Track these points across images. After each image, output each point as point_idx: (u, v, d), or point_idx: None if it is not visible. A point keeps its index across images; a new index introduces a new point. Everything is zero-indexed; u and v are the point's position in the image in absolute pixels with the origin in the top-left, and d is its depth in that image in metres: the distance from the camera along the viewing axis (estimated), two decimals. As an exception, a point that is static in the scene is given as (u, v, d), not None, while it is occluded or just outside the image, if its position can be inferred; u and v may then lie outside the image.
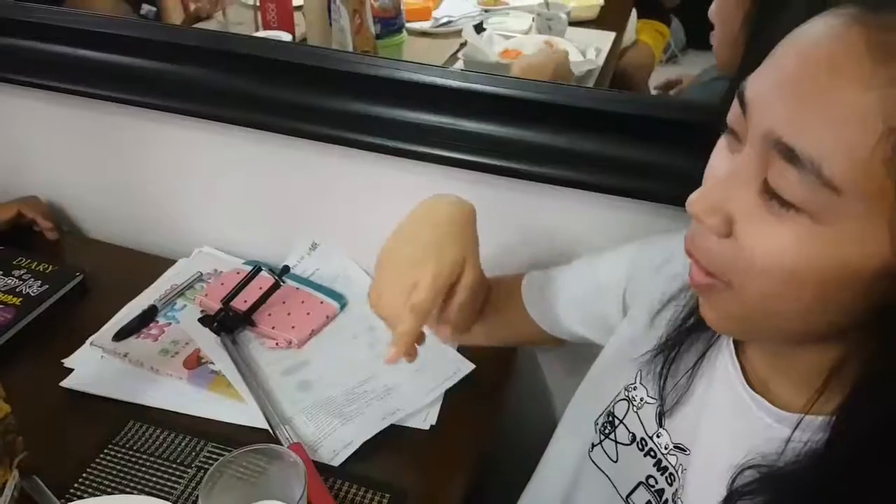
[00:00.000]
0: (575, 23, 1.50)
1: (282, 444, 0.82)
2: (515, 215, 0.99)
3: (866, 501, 0.48)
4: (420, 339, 0.74)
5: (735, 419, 0.57)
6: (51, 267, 1.09)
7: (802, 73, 0.43)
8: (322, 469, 0.82)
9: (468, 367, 0.95)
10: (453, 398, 0.93)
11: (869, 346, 0.46)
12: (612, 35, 1.48)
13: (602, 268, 0.81)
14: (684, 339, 0.64)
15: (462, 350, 0.98)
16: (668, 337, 0.65)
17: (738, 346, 0.60)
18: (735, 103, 0.47)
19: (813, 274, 0.44)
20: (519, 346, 1.00)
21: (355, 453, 0.84)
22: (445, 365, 0.96)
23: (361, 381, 0.94)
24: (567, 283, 0.84)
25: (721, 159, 0.49)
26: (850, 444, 0.48)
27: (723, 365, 0.61)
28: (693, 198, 0.48)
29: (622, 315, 0.76)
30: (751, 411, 0.57)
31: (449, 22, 1.55)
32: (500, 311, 0.88)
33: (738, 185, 0.46)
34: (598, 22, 1.57)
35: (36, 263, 1.10)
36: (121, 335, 0.98)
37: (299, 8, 1.45)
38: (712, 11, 0.87)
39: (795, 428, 0.52)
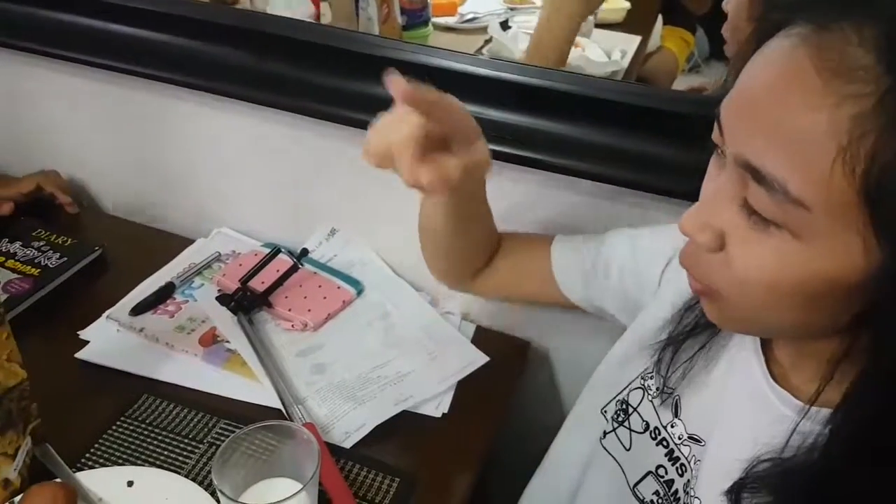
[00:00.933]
0: (601, 25, 1.50)
1: (294, 424, 0.82)
2: (536, 206, 0.98)
3: (867, 492, 0.48)
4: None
5: (756, 412, 0.57)
6: (70, 240, 1.09)
7: (758, 96, 0.44)
8: (333, 450, 0.82)
9: (482, 359, 0.95)
10: (466, 387, 0.92)
11: (867, 339, 0.47)
12: (637, 39, 1.47)
13: (638, 263, 0.80)
14: (694, 330, 0.65)
15: (476, 342, 0.98)
16: (680, 325, 0.66)
17: (763, 340, 0.60)
18: (715, 125, 0.49)
19: (796, 287, 0.45)
20: (527, 302, 0.99)
21: (367, 437, 0.84)
22: (459, 356, 0.96)
23: (375, 366, 0.94)
24: (603, 254, 0.83)
25: (710, 178, 0.51)
26: (850, 433, 0.49)
27: (745, 357, 0.61)
28: (685, 217, 0.50)
29: (653, 297, 0.76)
30: (772, 404, 0.56)
31: (474, 18, 1.55)
32: (519, 265, 0.88)
33: (724, 202, 0.48)
34: (623, 25, 1.57)
35: (55, 236, 1.10)
36: (137, 310, 0.99)
37: (326, -2, 1.45)
38: (725, 27, 0.87)
39: (803, 417, 0.52)
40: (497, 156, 0.92)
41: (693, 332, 0.65)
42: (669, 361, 0.66)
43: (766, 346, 0.60)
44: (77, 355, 0.92)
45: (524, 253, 0.88)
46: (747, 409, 0.58)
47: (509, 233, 0.90)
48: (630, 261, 0.80)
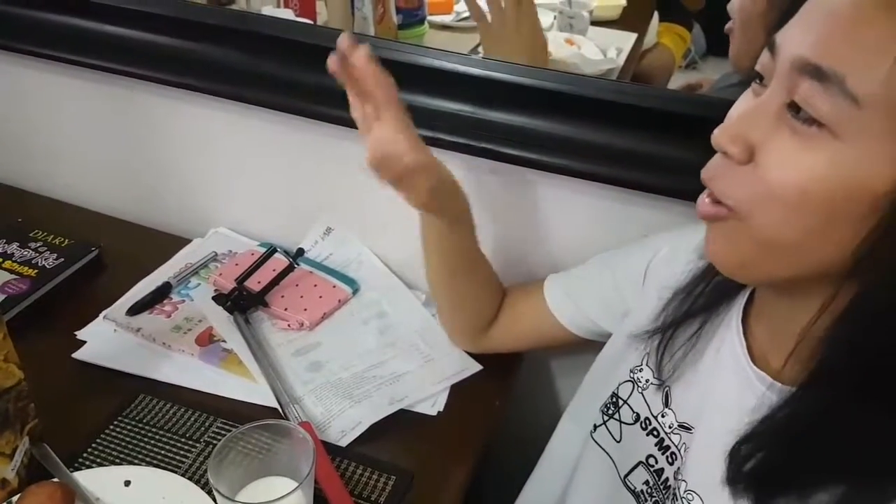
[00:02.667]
0: (597, 22, 1.50)
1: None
2: (531, 205, 0.99)
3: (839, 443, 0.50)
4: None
5: (740, 396, 0.58)
6: (67, 240, 1.10)
7: (828, 7, 0.46)
8: (329, 449, 0.82)
9: (476, 367, 0.96)
10: (462, 386, 0.93)
11: (843, 298, 0.49)
12: (633, 36, 1.47)
13: (621, 260, 0.82)
14: (682, 320, 0.66)
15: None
16: (668, 317, 0.67)
17: (745, 324, 0.62)
18: (764, 52, 0.50)
19: (824, 194, 0.46)
20: (539, 348, 1.00)
21: (362, 435, 0.85)
22: (453, 363, 0.96)
23: (371, 365, 0.95)
24: (590, 280, 0.85)
25: (745, 101, 0.52)
26: (810, 411, 0.52)
27: (730, 344, 0.62)
28: (717, 131, 0.51)
29: (638, 297, 0.77)
30: (755, 388, 0.58)
31: (470, 16, 1.55)
32: (521, 317, 0.91)
33: (763, 113, 0.49)
34: (619, 22, 1.57)
35: (52, 236, 1.11)
36: (134, 310, 0.99)
37: (322, -4, 1.45)
38: (731, 6, 0.87)
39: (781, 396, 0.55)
40: (491, 155, 0.93)
41: (682, 322, 0.66)
42: (662, 351, 0.67)
43: (749, 334, 0.61)
44: (74, 355, 0.93)
45: (522, 299, 0.91)
46: (732, 392, 0.59)
47: (510, 286, 0.93)
48: (614, 288, 0.81)
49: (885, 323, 0.48)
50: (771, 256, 0.51)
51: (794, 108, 0.47)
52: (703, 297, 0.65)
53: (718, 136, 0.51)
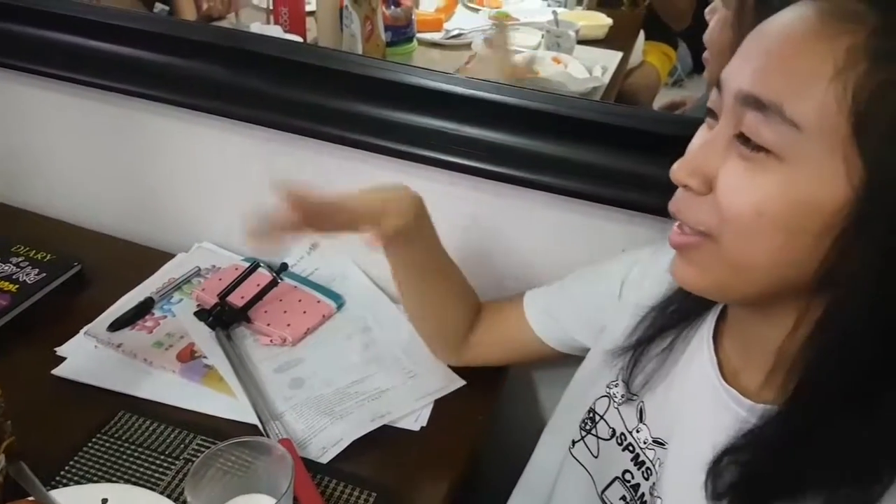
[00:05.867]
0: (583, 41, 1.52)
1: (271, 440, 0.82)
2: (514, 222, 0.99)
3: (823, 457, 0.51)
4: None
5: (712, 412, 0.59)
6: (49, 256, 1.09)
7: (764, 41, 0.50)
8: (310, 466, 0.81)
9: (459, 382, 0.95)
10: (445, 401, 0.93)
11: (815, 315, 0.51)
12: (619, 55, 1.49)
13: (598, 276, 0.83)
14: (655, 335, 0.67)
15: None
16: (641, 332, 0.68)
17: (717, 342, 0.62)
18: (714, 89, 0.53)
19: (779, 216, 0.48)
20: (518, 363, 1.00)
21: (344, 451, 0.84)
22: (437, 379, 0.96)
23: (353, 381, 0.94)
24: (569, 295, 0.86)
25: (700, 136, 0.55)
26: (786, 433, 0.53)
27: (701, 361, 0.62)
28: (675, 166, 0.54)
29: (615, 313, 0.77)
30: (726, 403, 0.58)
31: (459, 34, 1.57)
32: (501, 331, 0.91)
33: (716, 145, 0.52)
34: (606, 41, 1.58)
35: (34, 252, 1.10)
36: (116, 326, 0.98)
37: (312, 13, 1.46)
38: (706, 37, 0.89)
39: (759, 416, 0.55)
40: (474, 172, 0.93)
41: (654, 337, 0.67)
42: (633, 365, 0.69)
43: (720, 350, 0.62)
44: (54, 372, 0.92)
45: (502, 313, 0.91)
46: (704, 410, 0.60)
47: (487, 301, 0.93)
48: (592, 303, 0.82)
49: (855, 335, 0.49)
50: (738, 278, 0.53)
51: (742, 138, 0.49)
52: (675, 313, 0.66)
53: (677, 171, 0.53)
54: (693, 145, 0.55)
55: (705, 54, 0.88)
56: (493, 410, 0.98)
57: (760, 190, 0.48)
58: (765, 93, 0.47)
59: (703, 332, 0.64)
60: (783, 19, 0.49)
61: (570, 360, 0.86)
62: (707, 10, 0.82)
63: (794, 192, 0.47)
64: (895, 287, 0.46)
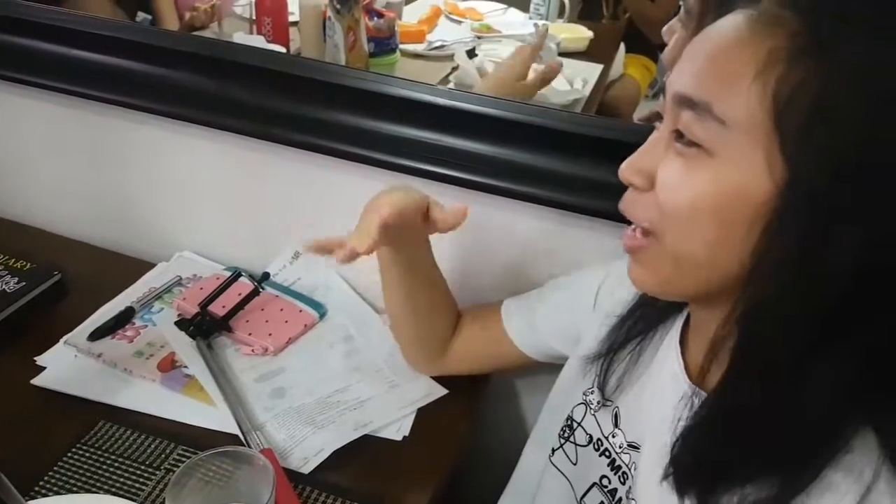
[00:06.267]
0: (564, 54, 1.53)
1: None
2: (496, 232, 1.00)
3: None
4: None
5: (680, 413, 0.60)
6: (29, 265, 1.09)
7: (699, 46, 0.53)
8: (292, 476, 0.82)
9: (441, 391, 0.96)
10: (428, 410, 0.93)
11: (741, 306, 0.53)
12: (599, 67, 1.51)
13: (575, 286, 0.85)
14: (626, 341, 0.69)
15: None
16: (613, 338, 0.71)
17: (684, 345, 0.64)
18: (661, 95, 0.56)
19: (712, 208, 0.51)
20: (496, 371, 1.01)
21: (326, 461, 0.84)
22: (419, 388, 0.96)
23: (335, 390, 0.94)
24: (546, 304, 0.87)
25: (648, 139, 0.57)
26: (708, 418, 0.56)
27: (669, 363, 0.64)
28: (623, 165, 0.57)
29: (589, 322, 0.79)
30: (688, 400, 0.59)
31: (442, 46, 1.58)
32: (480, 340, 0.92)
33: (657, 145, 0.55)
34: (587, 54, 1.60)
35: (14, 261, 1.09)
36: (96, 335, 0.98)
37: (295, 24, 1.47)
38: (665, 56, 0.90)
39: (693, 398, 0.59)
40: (458, 182, 0.94)
41: (625, 343, 0.69)
42: (605, 372, 0.70)
43: (686, 353, 0.64)
44: (33, 381, 0.91)
45: (479, 322, 0.92)
46: (672, 410, 0.61)
47: (465, 309, 0.94)
48: (567, 312, 0.84)
49: (778, 321, 0.51)
50: (683, 272, 0.55)
51: (678, 135, 0.53)
52: (643, 319, 0.69)
53: (623, 170, 0.57)
54: (640, 148, 0.58)
55: (665, 76, 0.90)
56: (475, 419, 0.98)
57: (694, 183, 0.51)
58: (697, 93, 0.51)
59: (671, 336, 0.66)
60: (718, 26, 0.53)
61: (550, 368, 0.87)
62: (664, 29, 0.83)
63: (724, 185, 0.50)
64: (815, 276, 0.48)
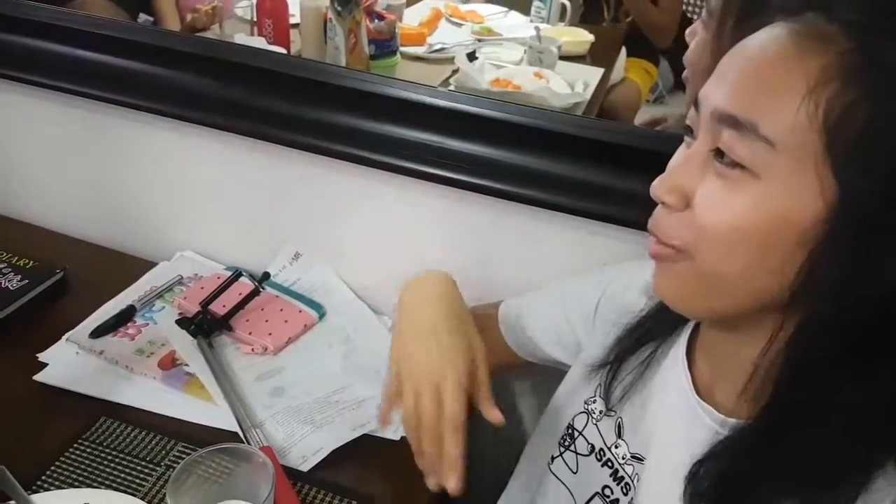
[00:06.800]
0: (565, 57, 1.54)
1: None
2: (495, 234, 1.00)
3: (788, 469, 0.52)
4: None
5: (687, 427, 0.60)
6: (31, 262, 1.09)
7: (739, 60, 0.51)
8: (291, 474, 0.82)
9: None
10: (425, 411, 0.93)
11: (787, 331, 0.52)
12: (600, 71, 1.52)
13: (573, 292, 0.84)
14: (631, 352, 0.68)
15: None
16: (618, 348, 0.69)
17: (690, 358, 0.63)
18: (691, 108, 0.54)
19: (753, 231, 0.49)
20: (493, 371, 1.01)
21: (324, 460, 0.85)
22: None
23: (334, 390, 0.95)
24: (541, 308, 0.86)
25: (679, 154, 0.56)
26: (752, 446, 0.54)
27: (675, 377, 0.63)
28: (655, 183, 0.55)
29: (591, 331, 0.79)
30: (700, 419, 0.59)
31: (443, 49, 1.59)
32: None
33: (693, 163, 0.53)
34: (587, 58, 1.61)
35: (16, 258, 1.10)
36: (98, 333, 0.99)
37: (296, 26, 1.48)
38: (686, 58, 0.91)
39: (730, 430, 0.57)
40: (457, 184, 0.95)
41: (631, 352, 0.68)
42: (610, 380, 0.69)
43: (693, 366, 0.63)
44: (36, 377, 0.92)
45: (477, 321, 0.89)
46: (679, 425, 0.61)
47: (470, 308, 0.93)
48: (564, 317, 0.83)
49: (826, 350, 0.50)
50: (714, 291, 0.54)
51: (718, 154, 0.51)
52: (651, 331, 0.67)
53: (657, 187, 0.55)
54: (672, 163, 0.56)
55: (685, 74, 0.91)
56: (472, 420, 0.99)
57: (736, 207, 0.50)
58: (740, 111, 0.49)
59: (678, 349, 0.65)
60: (757, 40, 0.51)
61: (549, 370, 0.87)
62: (687, 31, 0.84)
63: (768, 207, 0.49)
64: (861, 304, 0.48)
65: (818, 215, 0.47)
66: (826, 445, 0.51)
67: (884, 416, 0.49)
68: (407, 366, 0.77)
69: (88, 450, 0.84)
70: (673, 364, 0.65)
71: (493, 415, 0.75)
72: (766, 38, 0.50)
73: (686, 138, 0.56)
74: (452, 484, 0.72)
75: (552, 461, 0.75)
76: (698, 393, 0.61)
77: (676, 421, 0.61)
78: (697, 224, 0.52)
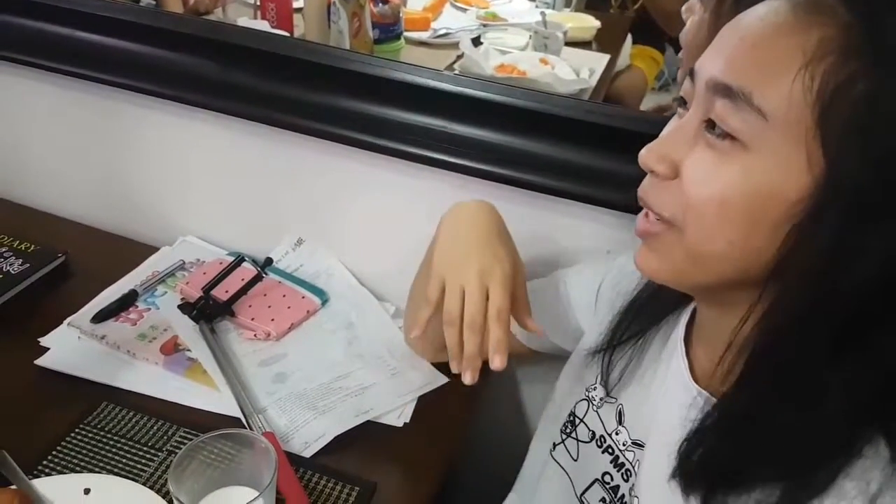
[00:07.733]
0: (571, 43, 1.52)
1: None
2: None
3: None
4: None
5: (686, 413, 0.59)
6: (33, 246, 1.09)
7: (738, 31, 0.51)
8: (293, 460, 0.82)
9: (442, 379, 0.95)
10: (429, 398, 0.93)
11: (764, 305, 0.52)
12: (606, 57, 1.50)
13: (575, 279, 0.84)
14: (629, 336, 0.68)
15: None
16: (616, 334, 0.69)
17: (688, 344, 0.63)
18: (686, 79, 0.54)
19: (742, 203, 0.49)
20: None
21: (327, 446, 0.84)
22: (420, 375, 0.96)
23: (337, 377, 0.95)
24: (544, 296, 0.86)
25: (670, 125, 0.56)
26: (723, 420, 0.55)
27: (673, 363, 0.64)
28: (643, 151, 0.55)
29: (592, 317, 0.79)
30: (697, 404, 0.59)
31: (447, 33, 1.57)
32: None
33: (684, 132, 0.53)
34: (593, 44, 1.60)
35: (18, 242, 1.10)
36: (99, 317, 0.98)
37: (299, 10, 1.46)
38: (682, 36, 0.90)
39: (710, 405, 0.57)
40: (460, 169, 0.94)
41: (628, 337, 0.69)
42: (608, 366, 0.69)
43: (692, 354, 0.63)
44: (37, 362, 0.92)
45: None
46: (678, 410, 0.61)
47: None
48: (566, 305, 0.83)
49: (799, 325, 0.50)
50: (696, 265, 0.54)
51: (710, 124, 0.51)
52: (647, 312, 0.68)
53: (645, 156, 0.54)
54: (663, 133, 0.56)
55: (681, 53, 0.90)
56: (476, 408, 0.98)
57: (725, 178, 0.50)
58: (735, 81, 0.48)
59: (675, 335, 0.65)
60: (758, 11, 0.50)
61: (552, 359, 0.87)
62: (684, 8, 0.83)
63: (756, 180, 0.48)
64: (841, 279, 0.47)
65: (805, 190, 0.47)
66: (805, 423, 0.51)
67: (870, 392, 0.49)
68: (454, 266, 0.75)
69: (90, 435, 0.84)
70: (671, 351, 0.65)
71: (532, 325, 0.76)
72: (766, 10, 0.50)
73: (679, 109, 0.55)
74: (498, 361, 0.71)
75: (554, 448, 0.75)
76: (696, 379, 0.61)
77: (675, 407, 0.61)
78: (686, 195, 0.52)
